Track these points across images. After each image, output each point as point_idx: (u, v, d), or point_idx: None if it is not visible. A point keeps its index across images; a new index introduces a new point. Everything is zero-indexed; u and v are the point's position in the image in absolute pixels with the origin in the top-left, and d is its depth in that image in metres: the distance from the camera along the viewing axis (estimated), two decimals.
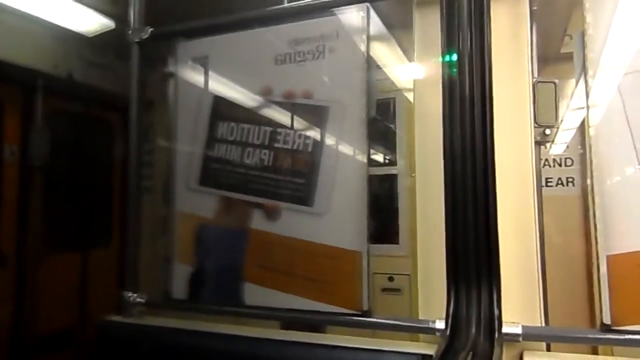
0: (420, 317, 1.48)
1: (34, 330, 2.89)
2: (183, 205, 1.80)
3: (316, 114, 1.61)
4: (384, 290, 3.27)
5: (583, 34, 1.34)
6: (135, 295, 1.78)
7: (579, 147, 2.91)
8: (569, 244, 2.49)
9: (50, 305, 2.97)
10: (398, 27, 2.58)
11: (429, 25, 1.52)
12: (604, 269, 1.24)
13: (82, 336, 3.10)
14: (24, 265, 2.88)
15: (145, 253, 1.89)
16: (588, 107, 1.34)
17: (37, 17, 2.51)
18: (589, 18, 1.33)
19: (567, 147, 3.00)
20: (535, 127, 1.68)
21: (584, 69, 1.34)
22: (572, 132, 2.99)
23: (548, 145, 2.92)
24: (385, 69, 3.20)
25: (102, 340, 1.84)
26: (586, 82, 1.33)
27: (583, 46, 1.33)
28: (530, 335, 1.29)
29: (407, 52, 2.95)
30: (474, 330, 1.24)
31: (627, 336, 1.20)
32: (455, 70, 1.35)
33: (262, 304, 1.67)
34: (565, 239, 2.56)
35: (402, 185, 3.30)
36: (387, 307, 3.04)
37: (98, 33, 2.65)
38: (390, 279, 3.26)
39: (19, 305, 2.83)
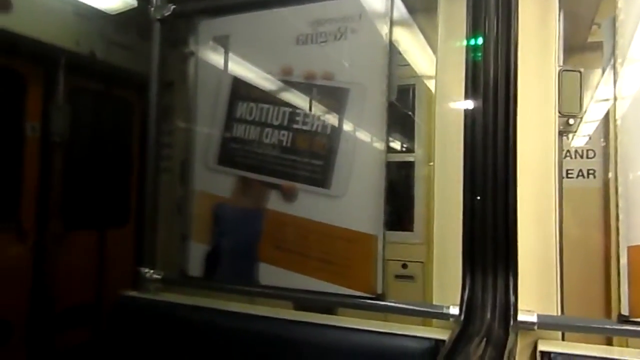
0: (434, 302, 1.48)
1: (53, 305, 2.96)
2: (201, 184, 1.81)
3: (336, 96, 1.60)
4: (397, 277, 3.26)
5: (614, 20, 1.30)
6: (152, 271, 1.81)
7: (602, 139, 2.86)
8: (588, 236, 2.46)
9: (70, 280, 3.04)
10: (421, 12, 2.54)
11: (454, 9, 1.50)
12: (624, 259, 1.23)
13: (101, 310, 3.17)
14: (44, 241, 2.93)
15: (163, 231, 1.92)
16: (615, 96, 1.31)
17: None
18: (620, 3, 1.29)
19: (590, 139, 2.94)
20: (559, 116, 1.65)
21: (613, 56, 1.30)
22: (595, 124, 2.93)
23: (570, 136, 2.89)
24: (405, 55, 3.16)
25: (119, 314, 1.87)
26: (615, 69, 1.30)
27: (613, 32, 1.30)
28: (545, 324, 1.28)
29: (429, 39, 2.90)
30: (488, 316, 1.24)
31: None
32: (480, 54, 1.33)
33: (276, 284, 1.68)
34: (584, 231, 2.53)
35: (418, 173, 3.27)
36: (400, 294, 3.03)
37: (121, 11, 2.66)
38: (404, 266, 3.25)
39: (38, 281, 2.89)
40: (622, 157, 1.27)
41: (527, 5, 1.38)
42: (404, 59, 3.18)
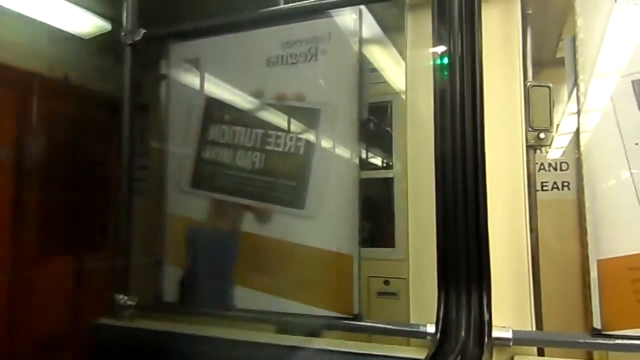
0: (411, 321, 1.47)
1: (27, 334, 2.88)
2: (174, 207, 1.79)
3: (308, 117, 1.61)
4: (380, 294, 3.25)
5: (574, 38, 1.34)
6: (126, 298, 1.77)
7: (576, 151, 2.90)
8: (565, 248, 2.47)
9: (43, 308, 2.96)
10: (395, 30, 2.58)
11: (421, 28, 1.52)
12: (594, 273, 1.24)
13: (74, 339, 3.09)
14: (18, 268, 2.87)
15: (137, 256, 1.88)
16: (579, 111, 1.34)
17: (32, 18, 2.51)
18: (580, 22, 1.33)
19: (564, 151, 2.99)
20: (529, 130, 1.67)
21: (575, 73, 1.33)
22: (569, 137, 2.98)
23: (544, 149, 2.93)
24: (382, 72, 3.20)
25: (93, 343, 1.82)
26: (577, 86, 1.33)
27: (574, 50, 1.33)
28: (520, 339, 1.28)
29: (404, 55, 2.94)
30: (463, 334, 1.23)
31: (616, 341, 1.19)
32: (446, 73, 1.34)
33: (254, 307, 1.66)
34: (561, 243, 2.54)
35: (398, 189, 3.29)
36: (383, 311, 3.03)
37: (94, 35, 2.65)
38: (386, 282, 3.25)
39: (12, 308, 2.81)
40: (587, 171, 1.29)
41: (491, 25, 1.41)
42: (381, 77, 3.23)
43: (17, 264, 2.88)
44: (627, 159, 1.24)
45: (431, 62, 1.39)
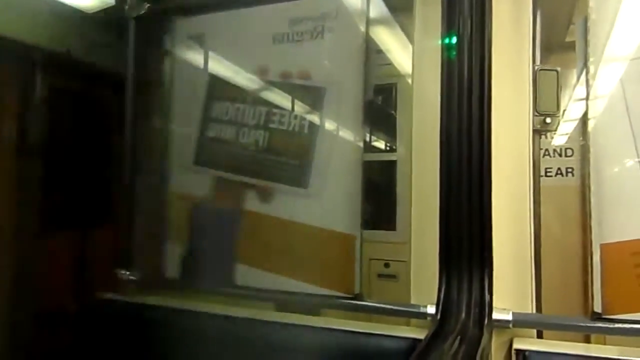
0: (412, 302, 1.48)
1: (30, 307, 2.91)
2: (178, 185, 1.79)
3: (312, 95, 1.59)
4: (380, 276, 3.27)
5: (586, 20, 1.31)
6: (128, 273, 1.78)
7: (581, 138, 2.88)
8: (567, 234, 2.48)
9: (46, 282, 2.99)
10: (402, 11, 2.54)
11: (429, 8, 1.50)
12: (597, 257, 1.24)
13: (77, 313, 3.12)
14: (22, 243, 2.89)
15: (140, 232, 1.89)
16: (588, 95, 1.32)
17: None
18: (592, 3, 1.30)
19: (569, 137, 2.97)
20: (535, 115, 1.66)
21: (585, 56, 1.31)
22: (574, 123, 2.96)
23: (549, 134, 2.91)
24: (388, 54, 3.16)
25: (95, 317, 1.84)
26: (587, 69, 1.31)
27: (585, 32, 1.31)
28: (520, 322, 1.29)
29: (411, 38, 2.90)
30: (463, 315, 1.24)
31: (616, 325, 1.20)
32: (454, 53, 1.33)
33: (255, 285, 1.67)
34: (564, 229, 2.55)
35: (401, 172, 3.28)
36: (382, 293, 3.04)
37: (97, 10, 2.62)
38: (387, 265, 3.26)
39: (17, 282, 2.84)
40: (594, 155, 1.28)
41: (501, 5, 1.39)
42: (387, 58, 3.19)
43: (19, 239, 2.89)
44: (635, 143, 1.23)
45: (439, 44, 1.38)
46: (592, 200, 1.26)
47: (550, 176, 2.86)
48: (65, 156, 3.28)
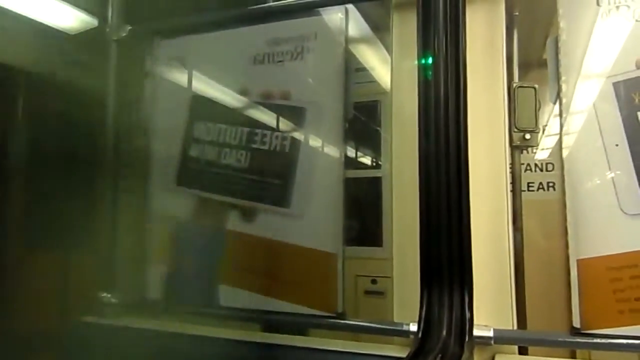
0: (395, 320, 1.48)
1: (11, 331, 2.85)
2: (159, 205, 1.78)
3: (293, 115, 1.61)
4: (367, 292, 3.27)
5: (557, 40, 1.35)
6: (110, 295, 1.76)
7: (560, 153, 2.93)
8: (550, 248, 2.50)
9: (27, 306, 2.93)
10: (383, 29, 2.58)
11: (406, 27, 1.52)
12: (574, 272, 1.25)
13: (58, 337, 3.06)
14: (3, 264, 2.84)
15: (122, 254, 1.87)
16: (561, 112, 1.35)
17: (17, 14, 2.48)
18: (562, 24, 1.34)
19: (550, 152, 3.02)
20: (515, 131, 1.69)
21: (557, 75, 1.35)
22: (555, 138, 3.00)
23: (530, 150, 2.95)
24: (371, 72, 3.21)
25: (76, 341, 1.81)
26: (559, 87, 1.34)
27: (556, 52, 1.35)
28: (501, 338, 1.29)
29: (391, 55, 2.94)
30: (444, 332, 1.24)
31: (595, 340, 1.21)
32: (430, 73, 1.35)
33: (239, 305, 1.66)
34: (546, 243, 2.57)
35: (386, 188, 3.30)
36: (370, 309, 3.04)
37: (80, 31, 2.63)
38: (374, 281, 3.26)
39: None
40: (568, 171, 1.30)
41: (475, 25, 1.42)
42: (370, 76, 3.24)
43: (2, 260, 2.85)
44: (607, 159, 1.26)
45: (416, 63, 1.40)
46: (568, 215, 1.28)
47: (533, 190, 2.89)
48: (48, 178, 3.26)
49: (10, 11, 2.47)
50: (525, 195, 2.39)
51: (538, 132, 1.78)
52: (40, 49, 2.77)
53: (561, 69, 1.33)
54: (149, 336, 1.67)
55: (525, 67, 2.24)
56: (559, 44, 1.34)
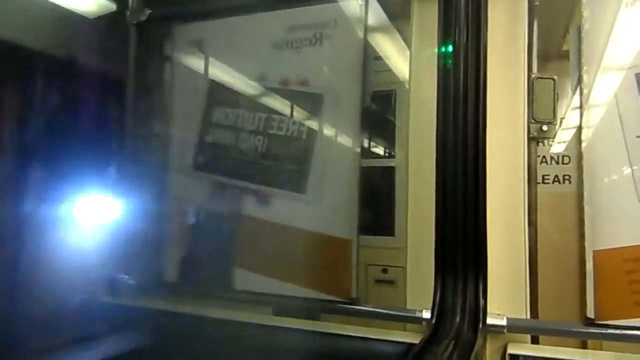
0: (408, 307, 1.49)
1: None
2: (177, 189, 1.81)
3: (311, 102, 1.61)
4: (378, 281, 3.27)
5: (579, 29, 1.34)
6: (127, 277, 1.79)
7: (577, 145, 2.90)
8: (564, 240, 2.48)
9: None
10: (401, 18, 2.56)
11: (427, 16, 1.52)
12: (590, 264, 1.25)
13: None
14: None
15: (139, 236, 1.90)
16: (582, 103, 1.34)
17: None
18: (586, 13, 1.33)
19: (567, 145, 2.99)
20: (532, 122, 1.67)
21: (579, 65, 1.33)
22: (572, 131, 2.97)
23: (547, 141, 2.93)
24: (387, 61, 3.18)
25: (97, 320, 1.85)
26: (580, 78, 1.33)
27: (579, 41, 1.33)
28: (514, 327, 1.30)
29: (409, 44, 2.92)
30: (458, 320, 1.25)
31: (609, 330, 1.21)
32: (450, 61, 1.35)
33: (253, 289, 1.68)
34: (560, 235, 2.55)
35: (399, 178, 3.29)
36: (380, 298, 3.05)
37: (99, 15, 2.64)
38: (385, 270, 3.26)
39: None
40: (588, 163, 1.30)
41: (497, 15, 1.41)
42: (385, 65, 3.22)
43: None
44: (627, 151, 1.25)
45: (436, 52, 1.40)
46: (586, 207, 1.28)
47: (548, 183, 2.87)
48: (65, 159, 3.29)
49: None
50: (540, 188, 2.37)
51: (555, 124, 1.77)
52: (59, 32, 2.78)
53: (583, 59, 1.32)
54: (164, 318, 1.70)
55: (544, 59, 2.21)
56: (582, 34, 1.33)
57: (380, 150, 3.78)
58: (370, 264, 3.24)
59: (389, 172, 3.35)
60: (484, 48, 1.31)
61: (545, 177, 2.84)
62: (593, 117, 1.33)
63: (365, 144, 3.62)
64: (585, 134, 1.33)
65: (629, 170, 1.24)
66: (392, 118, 3.48)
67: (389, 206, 3.26)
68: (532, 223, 1.97)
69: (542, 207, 2.16)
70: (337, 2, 1.61)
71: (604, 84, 1.32)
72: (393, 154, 3.50)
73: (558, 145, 3.05)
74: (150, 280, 1.83)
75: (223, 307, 1.71)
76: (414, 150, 1.58)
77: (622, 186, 1.24)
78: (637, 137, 1.23)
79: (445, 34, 1.35)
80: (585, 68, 1.31)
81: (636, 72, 1.26)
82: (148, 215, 1.91)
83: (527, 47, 1.50)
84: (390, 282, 3.18)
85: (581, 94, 1.33)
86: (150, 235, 1.87)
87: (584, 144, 1.32)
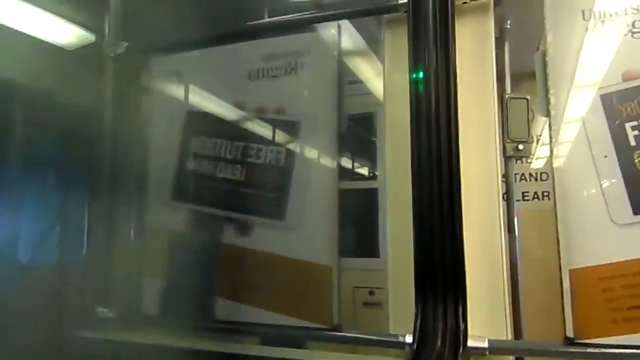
0: (391, 331, 1.49)
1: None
2: (155, 219, 1.80)
3: (288, 129, 1.63)
4: (365, 304, 3.26)
5: (544, 54, 1.38)
6: (106, 310, 1.76)
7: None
8: (545, 257, 2.50)
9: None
10: (378, 42, 2.61)
11: (398, 42, 1.55)
12: (566, 282, 1.27)
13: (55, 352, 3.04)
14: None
15: (118, 268, 1.87)
16: (550, 124, 1.37)
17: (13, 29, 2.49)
18: (550, 38, 1.37)
19: (545, 162, 3.04)
20: (508, 142, 1.71)
21: (545, 87, 1.37)
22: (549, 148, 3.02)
23: (525, 159, 2.97)
24: (366, 83, 3.23)
25: (73, 356, 1.81)
26: (548, 100, 1.36)
27: (544, 65, 1.37)
28: (496, 348, 1.30)
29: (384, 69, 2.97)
30: (439, 343, 1.25)
31: (588, 349, 1.22)
32: (422, 86, 1.37)
33: (236, 319, 1.66)
34: (542, 252, 2.57)
35: (382, 199, 3.30)
36: (368, 321, 3.03)
37: (77, 47, 2.65)
38: (371, 292, 3.25)
39: None
40: (558, 182, 1.32)
41: (465, 38, 1.45)
42: (365, 88, 3.26)
43: None
44: (597, 170, 1.27)
45: (407, 77, 1.42)
46: (559, 226, 1.30)
47: (528, 200, 2.91)
48: (45, 190, 3.26)
49: (6, 27, 2.49)
50: (520, 205, 2.40)
51: (531, 143, 1.80)
52: (38, 64, 2.78)
53: (549, 82, 1.36)
54: (145, 350, 1.67)
55: (517, 78, 2.27)
56: (547, 58, 1.36)
57: (363, 172, 3.81)
58: (356, 287, 3.23)
59: (372, 193, 3.37)
60: (454, 71, 1.34)
61: (525, 194, 2.89)
62: (563, 137, 1.36)
63: (349, 166, 3.65)
64: (556, 154, 1.36)
65: (600, 189, 1.27)
66: (373, 139, 3.52)
67: (373, 228, 3.27)
68: (512, 240, 1.99)
69: (523, 223, 2.18)
70: (311, 31, 1.64)
71: (572, 106, 1.35)
72: (376, 175, 3.53)
73: (537, 161, 3.11)
74: (129, 313, 1.80)
75: (205, 339, 1.69)
76: (392, 172, 1.60)
77: (593, 205, 1.27)
78: (605, 156, 1.26)
79: (416, 59, 1.38)
80: (552, 91, 1.35)
81: (601, 93, 1.30)
82: (126, 245, 1.89)
83: (500, 67, 1.53)
84: (378, 304, 3.16)
85: (549, 115, 1.36)
86: (129, 266, 1.85)
87: (555, 164, 1.34)
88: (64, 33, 2.61)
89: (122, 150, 1.85)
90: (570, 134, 1.33)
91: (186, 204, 1.74)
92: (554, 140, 1.35)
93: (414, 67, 1.38)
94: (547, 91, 1.35)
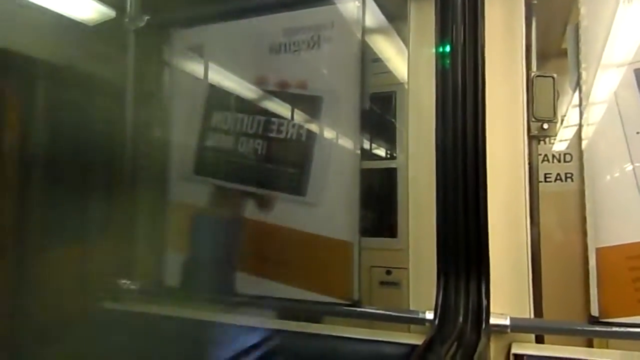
0: (411, 308, 1.49)
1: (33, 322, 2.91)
2: (178, 194, 1.81)
3: (310, 104, 1.61)
4: (382, 283, 3.27)
5: (577, 27, 1.33)
6: (129, 282, 1.79)
7: (579, 143, 2.89)
8: (567, 238, 2.48)
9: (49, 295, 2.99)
10: (399, 19, 2.56)
11: (424, 17, 1.52)
12: (593, 261, 1.25)
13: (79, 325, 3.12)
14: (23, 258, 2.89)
15: (141, 242, 1.90)
16: (581, 101, 1.33)
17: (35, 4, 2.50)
18: (583, 10, 1.32)
19: (568, 143, 2.98)
20: (532, 121, 1.67)
21: (577, 63, 1.33)
22: (574, 129, 2.97)
23: (548, 140, 2.92)
24: (387, 62, 3.19)
25: (97, 327, 1.85)
26: (579, 76, 1.32)
27: (577, 39, 1.33)
28: (518, 326, 1.29)
29: (407, 45, 2.92)
30: (461, 320, 1.25)
31: (613, 328, 1.21)
32: (448, 61, 1.35)
33: (255, 293, 1.68)
34: (564, 233, 2.55)
35: (401, 180, 3.29)
36: (384, 300, 3.05)
37: (98, 22, 2.65)
38: (388, 272, 3.26)
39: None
40: (588, 161, 1.29)
41: (494, 14, 1.41)
42: (385, 67, 3.22)
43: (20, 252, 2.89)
44: (628, 148, 1.24)
45: (433, 52, 1.40)
46: (587, 205, 1.27)
47: (550, 181, 2.86)
48: (64, 169, 3.30)
49: (30, 3, 2.50)
50: (542, 186, 2.36)
51: (556, 122, 1.76)
52: (59, 40, 2.79)
53: (581, 57, 1.32)
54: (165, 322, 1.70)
55: (543, 57, 2.21)
56: (580, 31, 1.32)
57: (382, 152, 3.79)
58: (373, 266, 3.25)
59: (391, 173, 3.35)
60: (482, 47, 1.31)
61: (547, 175, 2.84)
62: (593, 115, 1.32)
63: (367, 146, 3.63)
64: (586, 132, 1.32)
65: (630, 166, 1.24)
66: (393, 120, 3.49)
67: (391, 208, 3.26)
68: (534, 221, 1.97)
69: (545, 205, 2.15)
70: (334, 4, 1.61)
71: (604, 81, 1.32)
72: (395, 155, 3.51)
73: (560, 143, 3.05)
74: (151, 285, 1.83)
75: (225, 311, 1.71)
76: (414, 152, 1.58)
77: (623, 183, 1.24)
78: (638, 133, 1.23)
79: (443, 34, 1.35)
80: (584, 65, 1.31)
81: (635, 68, 1.26)
82: (149, 220, 1.92)
83: (526, 45, 1.49)
84: (395, 284, 3.18)
85: (580, 91, 1.32)
86: (152, 240, 1.88)
87: (584, 142, 1.31)
88: (86, 9, 2.62)
89: (144, 125, 1.86)
90: (601, 111, 1.30)
91: (208, 178, 1.75)
92: (583, 117, 1.32)
93: (440, 41, 1.35)
94: (578, 66, 1.31)
